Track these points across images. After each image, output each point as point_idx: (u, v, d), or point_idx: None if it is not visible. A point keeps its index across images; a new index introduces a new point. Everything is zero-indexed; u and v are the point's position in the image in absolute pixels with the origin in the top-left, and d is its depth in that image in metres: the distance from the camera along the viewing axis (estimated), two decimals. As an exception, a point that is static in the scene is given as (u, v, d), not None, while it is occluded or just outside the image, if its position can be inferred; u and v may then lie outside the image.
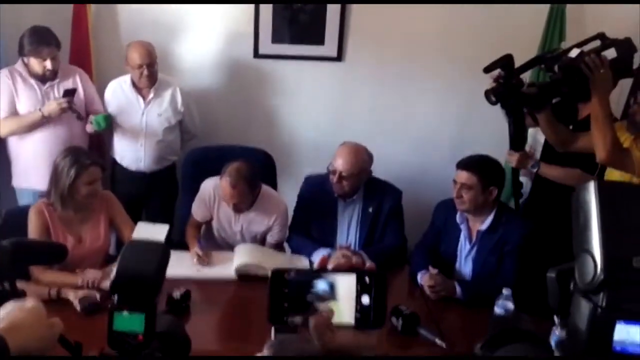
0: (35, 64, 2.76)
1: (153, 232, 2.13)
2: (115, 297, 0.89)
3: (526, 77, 2.56)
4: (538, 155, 2.84)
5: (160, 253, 0.99)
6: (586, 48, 2.22)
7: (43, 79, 2.81)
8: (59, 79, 2.86)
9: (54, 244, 1.36)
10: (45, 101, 2.80)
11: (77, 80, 2.91)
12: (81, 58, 3.15)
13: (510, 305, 2.02)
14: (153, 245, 1.02)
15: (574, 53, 2.19)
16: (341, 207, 2.64)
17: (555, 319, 1.72)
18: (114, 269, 2.03)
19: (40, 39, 2.71)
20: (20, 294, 0.97)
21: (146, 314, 0.90)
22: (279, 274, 0.86)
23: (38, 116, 2.76)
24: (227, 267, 2.37)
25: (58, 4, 3.10)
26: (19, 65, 2.82)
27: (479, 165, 2.35)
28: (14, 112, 2.81)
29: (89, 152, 2.35)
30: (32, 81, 2.81)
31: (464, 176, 2.32)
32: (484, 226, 2.35)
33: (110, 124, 2.92)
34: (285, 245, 2.75)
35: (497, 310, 2.03)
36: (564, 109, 2.61)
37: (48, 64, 2.75)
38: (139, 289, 0.91)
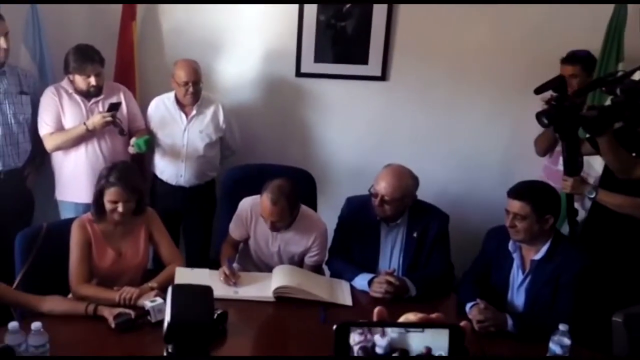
0: (79, 80, 2.81)
1: (194, 277, 2.11)
2: (170, 347, 0.84)
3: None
4: (591, 181, 2.69)
5: (209, 299, 0.96)
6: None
7: (88, 95, 2.85)
8: (103, 96, 2.89)
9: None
10: (89, 117, 2.84)
11: (121, 97, 2.95)
12: (126, 75, 3.20)
13: (567, 342, 1.88)
14: (201, 291, 0.98)
15: (638, 75, 2.07)
16: (384, 231, 2.54)
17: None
18: (151, 285, 1.96)
19: (84, 56, 2.76)
20: None
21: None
22: (344, 327, 0.73)
23: (82, 130, 2.79)
24: (265, 288, 2.30)
25: (105, 19, 3.17)
26: (65, 83, 2.88)
27: (531, 194, 2.22)
28: (60, 128, 2.85)
29: (126, 170, 2.28)
30: (78, 98, 2.86)
31: (516, 206, 2.19)
32: (538, 255, 2.21)
33: (151, 147, 2.92)
34: (325, 268, 2.67)
35: (553, 346, 1.90)
36: (627, 134, 2.47)
37: (92, 81, 2.79)
38: (196, 338, 0.86)
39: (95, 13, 3.21)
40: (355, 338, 0.71)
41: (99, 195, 2.22)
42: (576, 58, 2.94)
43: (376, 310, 0.76)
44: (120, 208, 2.20)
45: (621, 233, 2.48)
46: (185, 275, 2.25)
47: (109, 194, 2.20)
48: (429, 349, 0.71)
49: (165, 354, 0.84)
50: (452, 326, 0.72)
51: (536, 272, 2.22)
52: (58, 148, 2.88)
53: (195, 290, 0.99)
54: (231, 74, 3.36)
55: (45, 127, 2.85)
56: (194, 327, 0.87)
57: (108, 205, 2.21)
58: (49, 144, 2.86)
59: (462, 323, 0.74)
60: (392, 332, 0.71)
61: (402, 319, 0.75)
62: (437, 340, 0.71)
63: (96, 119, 2.76)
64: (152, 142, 2.95)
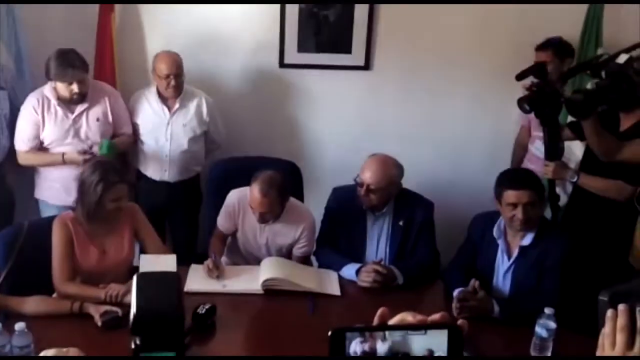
0: (62, 88, 2.70)
1: (160, 264, 1.88)
2: (138, 340, 0.80)
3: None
4: (572, 166, 2.73)
5: (177, 285, 0.91)
6: (635, 54, 2.13)
7: (71, 102, 2.76)
8: (87, 104, 2.79)
9: None
10: (71, 130, 2.76)
11: (106, 105, 2.85)
12: (105, 69, 3.13)
13: (553, 325, 1.91)
14: (167, 278, 0.93)
15: (622, 59, 2.09)
16: (370, 220, 2.54)
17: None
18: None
19: (65, 62, 2.64)
20: None
21: (177, 352, 0.81)
22: (340, 332, 0.70)
23: (58, 160, 2.75)
24: (253, 281, 2.30)
25: (83, 12, 3.10)
26: (47, 90, 2.76)
27: (531, 180, 2.22)
28: (37, 143, 2.78)
29: (117, 167, 2.28)
30: (60, 110, 2.75)
31: (526, 195, 2.14)
32: (525, 241, 2.22)
33: (113, 152, 2.73)
34: (312, 259, 2.67)
35: (539, 329, 1.93)
36: (606, 119, 2.50)
37: (75, 88, 2.68)
38: (165, 329, 0.82)
39: (72, 6, 3.13)
40: (356, 348, 0.68)
41: (101, 198, 2.14)
42: (548, 44, 2.97)
43: (379, 312, 0.73)
44: (123, 204, 2.20)
45: (602, 216, 2.52)
46: (151, 263, 1.98)
47: (113, 193, 2.16)
48: (431, 352, 0.70)
49: (132, 346, 0.81)
50: (450, 326, 0.70)
51: (522, 257, 2.24)
52: (30, 166, 2.85)
53: (162, 278, 0.94)
54: (214, 66, 3.32)
55: (20, 143, 2.78)
56: (162, 317, 0.83)
57: (111, 205, 2.17)
58: (21, 160, 2.82)
59: (460, 322, 0.72)
60: (393, 336, 0.69)
61: (397, 318, 0.72)
62: (437, 341, 0.70)
63: (75, 157, 2.70)
64: (115, 149, 2.76)
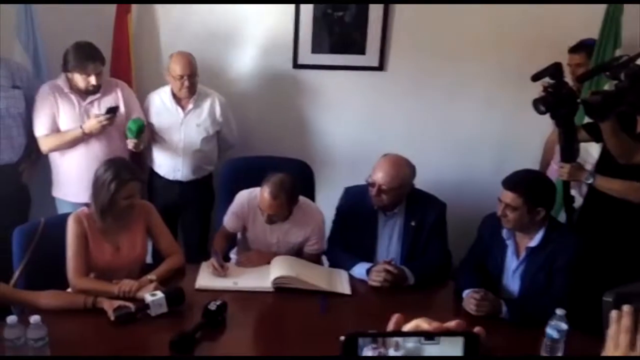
0: (79, 79, 2.75)
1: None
2: None
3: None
4: (588, 167, 2.69)
5: None
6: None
7: (86, 93, 2.80)
8: (100, 94, 2.84)
9: None
10: (84, 117, 2.80)
11: (118, 95, 2.89)
12: (122, 69, 3.17)
13: (564, 326, 1.88)
14: None
15: None
16: (382, 220, 2.54)
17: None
18: (150, 277, 1.97)
19: (86, 55, 2.70)
20: None
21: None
22: (353, 338, 0.68)
23: (78, 133, 2.76)
24: (264, 279, 2.31)
25: (100, 13, 3.14)
26: (61, 81, 2.81)
27: (525, 186, 2.20)
28: (55, 129, 2.81)
29: (130, 165, 2.32)
30: (73, 97, 2.80)
31: (509, 196, 2.18)
32: (533, 243, 2.21)
33: (142, 126, 2.77)
34: (323, 258, 2.68)
35: (550, 331, 1.90)
36: (621, 120, 2.47)
37: (92, 80, 2.73)
38: None
39: (89, 7, 3.18)
40: (367, 354, 0.67)
41: (114, 195, 2.17)
42: (581, 46, 2.94)
43: (393, 318, 0.71)
44: (135, 201, 2.24)
45: (618, 218, 2.48)
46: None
47: (126, 190, 2.19)
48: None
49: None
50: (467, 334, 0.68)
51: (531, 258, 2.23)
52: (54, 150, 2.85)
53: None
54: (228, 67, 3.34)
55: (40, 129, 2.81)
56: None
57: (124, 202, 2.21)
58: (44, 146, 2.83)
59: (477, 329, 0.69)
60: (406, 344, 0.67)
61: (412, 325, 0.70)
62: (451, 351, 0.67)
63: (92, 123, 2.72)
64: (142, 123, 2.78)
